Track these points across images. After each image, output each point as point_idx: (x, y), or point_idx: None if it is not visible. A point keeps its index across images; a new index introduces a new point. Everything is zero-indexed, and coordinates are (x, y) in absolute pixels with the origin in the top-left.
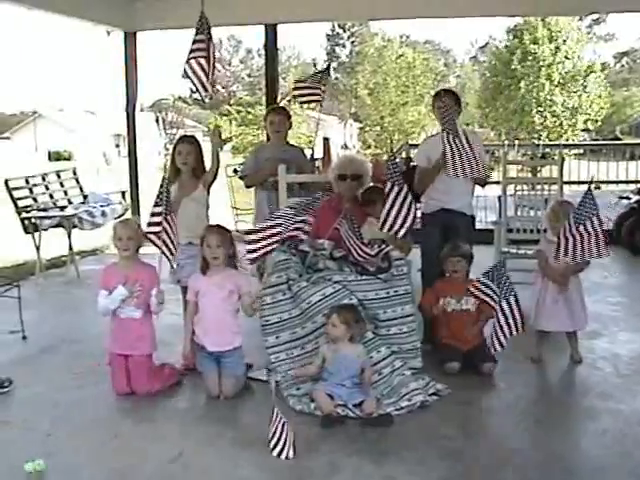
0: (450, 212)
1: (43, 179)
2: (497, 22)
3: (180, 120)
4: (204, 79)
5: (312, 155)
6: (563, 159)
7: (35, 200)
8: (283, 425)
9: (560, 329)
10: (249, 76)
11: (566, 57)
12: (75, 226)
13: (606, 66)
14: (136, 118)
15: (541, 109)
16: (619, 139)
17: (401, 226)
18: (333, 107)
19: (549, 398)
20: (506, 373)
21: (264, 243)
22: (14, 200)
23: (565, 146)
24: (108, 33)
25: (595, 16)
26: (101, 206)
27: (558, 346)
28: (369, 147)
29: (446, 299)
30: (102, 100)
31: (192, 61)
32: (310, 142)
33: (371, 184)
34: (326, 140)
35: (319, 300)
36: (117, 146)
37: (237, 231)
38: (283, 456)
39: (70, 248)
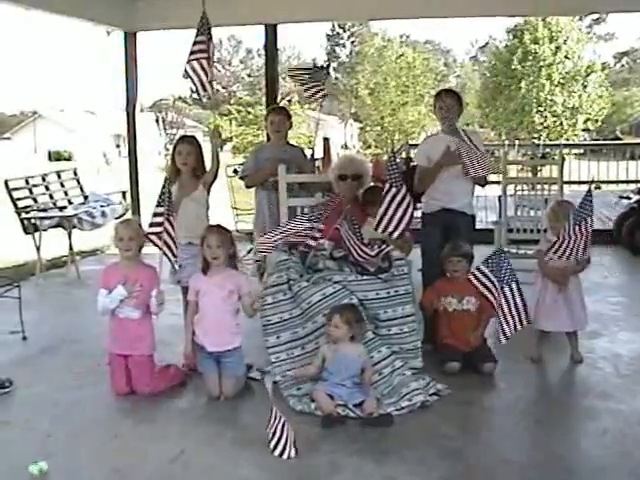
0: (451, 212)
1: (43, 179)
2: (497, 22)
3: (180, 120)
4: (204, 79)
5: (312, 155)
6: (563, 159)
7: (35, 200)
8: (283, 425)
9: (560, 329)
10: (249, 76)
11: (566, 57)
12: (75, 226)
13: (606, 66)
14: (136, 118)
15: (541, 109)
16: (619, 139)
17: (395, 228)
18: (333, 107)
19: (549, 398)
20: (506, 373)
21: (274, 239)
22: (13, 200)
23: (565, 146)
24: (108, 33)
25: (595, 16)
26: (101, 206)
27: (558, 346)
28: (369, 147)
29: (447, 299)
30: (102, 100)
31: (194, 62)
32: (310, 142)
33: (371, 184)
34: (326, 140)
35: (319, 300)
36: (117, 146)
37: (237, 231)
38: (285, 456)
39: (70, 248)
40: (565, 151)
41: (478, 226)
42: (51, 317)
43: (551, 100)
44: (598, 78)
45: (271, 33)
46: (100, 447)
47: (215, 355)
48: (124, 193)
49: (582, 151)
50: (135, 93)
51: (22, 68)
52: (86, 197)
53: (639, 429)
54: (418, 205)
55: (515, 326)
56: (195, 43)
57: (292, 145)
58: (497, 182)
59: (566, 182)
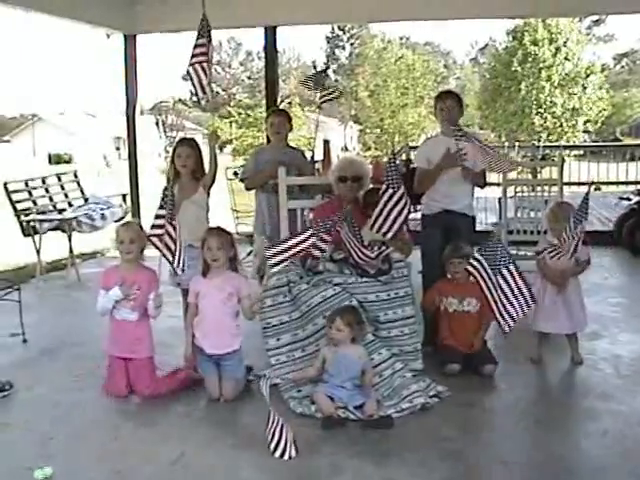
0: (452, 213)
1: (43, 182)
2: (497, 24)
3: (180, 123)
4: (204, 81)
5: (312, 157)
6: (563, 160)
7: (34, 203)
8: (282, 426)
9: (559, 331)
10: (249, 78)
11: (566, 58)
12: (74, 229)
13: (606, 67)
14: (136, 121)
15: (541, 110)
16: (619, 140)
17: (389, 228)
18: (333, 109)
19: (549, 399)
20: (506, 374)
21: (286, 255)
22: (13, 203)
23: (565, 147)
24: (108, 36)
25: (595, 17)
26: (101, 209)
27: (558, 347)
28: (369, 149)
29: (448, 299)
30: (102, 103)
31: (196, 65)
32: (310, 144)
33: (372, 186)
34: (326, 142)
35: (319, 302)
36: (117, 149)
37: (237, 233)
38: (286, 456)
39: (70, 251)
40: (565, 152)
41: (478, 228)
42: (51, 319)
43: (551, 102)
44: (598, 79)
45: (271, 35)
46: (100, 449)
47: (215, 358)
48: (124, 196)
49: (582, 152)
50: (135, 96)
51: (22, 71)
52: (86, 200)
53: (639, 430)
54: (418, 207)
55: (522, 308)
56: (196, 46)
57: (292, 147)
58: (497, 184)
59: (566, 183)
